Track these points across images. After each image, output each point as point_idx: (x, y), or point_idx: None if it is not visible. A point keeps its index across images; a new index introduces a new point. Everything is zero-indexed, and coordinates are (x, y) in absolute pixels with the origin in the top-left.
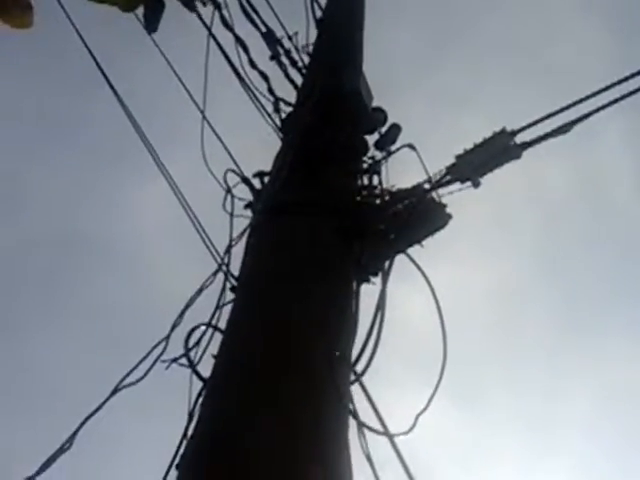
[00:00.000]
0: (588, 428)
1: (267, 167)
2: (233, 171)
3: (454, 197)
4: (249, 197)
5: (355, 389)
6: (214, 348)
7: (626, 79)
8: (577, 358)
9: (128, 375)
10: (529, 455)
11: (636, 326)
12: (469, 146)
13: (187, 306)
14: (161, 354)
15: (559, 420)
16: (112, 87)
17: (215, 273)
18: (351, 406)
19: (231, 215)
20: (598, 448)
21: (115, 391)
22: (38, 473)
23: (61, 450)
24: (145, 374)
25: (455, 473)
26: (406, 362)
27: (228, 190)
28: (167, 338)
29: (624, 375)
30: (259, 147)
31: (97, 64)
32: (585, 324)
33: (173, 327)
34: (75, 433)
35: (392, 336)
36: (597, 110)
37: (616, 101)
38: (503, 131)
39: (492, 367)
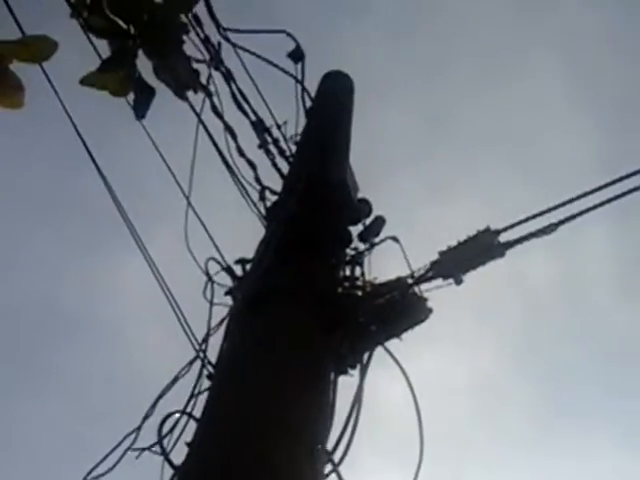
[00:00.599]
0: None
1: (250, 254)
2: (214, 259)
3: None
4: (230, 283)
5: None
6: (187, 436)
7: (613, 182)
8: (557, 451)
9: (97, 466)
10: None
11: (614, 420)
12: (454, 240)
13: (160, 396)
14: (132, 444)
15: None
16: (97, 167)
17: (191, 362)
18: None
19: (211, 303)
20: None
21: None
22: None
23: None
24: (114, 465)
25: None
26: (384, 454)
27: (209, 279)
28: (138, 429)
29: (606, 468)
30: (243, 234)
31: (84, 143)
32: (563, 418)
33: (145, 417)
34: None
35: (371, 426)
36: (582, 212)
37: (602, 204)
38: (487, 230)
39: (471, 458)
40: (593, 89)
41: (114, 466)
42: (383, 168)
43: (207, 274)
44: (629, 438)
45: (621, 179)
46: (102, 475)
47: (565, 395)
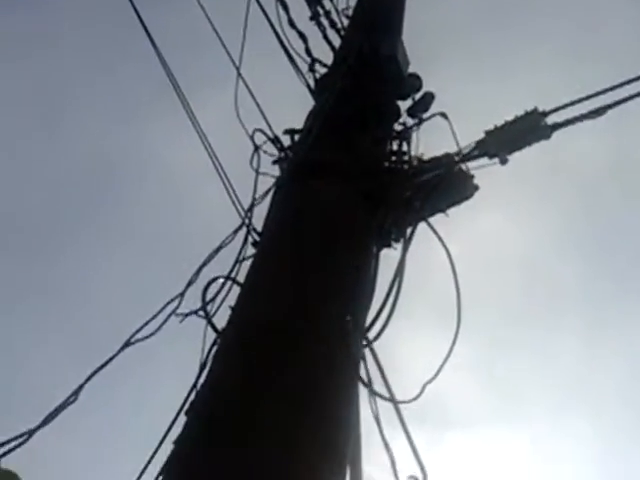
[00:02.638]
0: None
1: (299, 126)
2: (261, 130)
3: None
4: (278, 154)
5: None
6: (230, 301)
7: None
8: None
9: (140, 330)
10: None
11: None
12: (502, 119)
13: (204, 263)
14: (176, 309)
15: (591, 383)
16: (146, 30)
17: (236, 231)
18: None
19: (257, 172)
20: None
21: (125, 345)
22: (41, 426)
23: (66, 403)
24: (158, 329)
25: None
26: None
27: (255, 148)
28: (182, 295)
29: None
30: (292, 105)
31: (136, 12)
32: (615, 285)
33: (189, 283)
34: (81, 386)
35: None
36: (633, 97)
37: None
38: (535, 110)
39: (511, 332)
40: None
41: (157, 329)
42: (436, 43)
43: (254, 143)
44: None
45: None
46: (145, 338)
47: (616, 273)
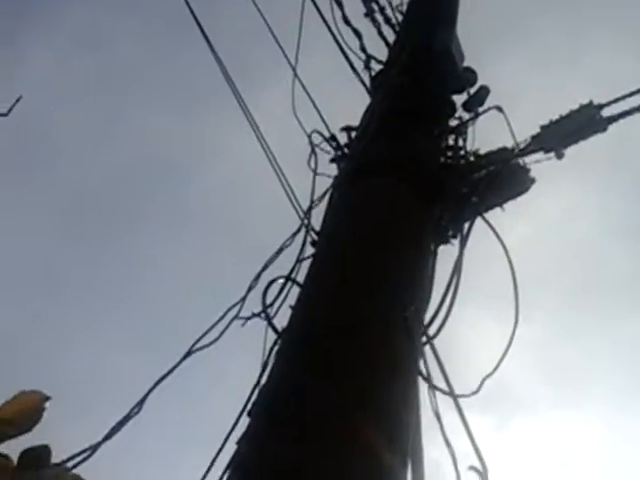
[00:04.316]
0: None
1: (355, 123)
2: (318, 132)
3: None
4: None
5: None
6: (290, 301)
7: None
8: None
9: (202, 338)
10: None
11: None
12: (558, 113)
13: (265, 267)
14: (237, 314)
15: None
16: (206, 37)
17: (295, 234)
18: (423, 365)
19: (315, 173)
20: None
21: (188, 354)
22: (104, 440)
23: (129, 415)
24: (220, 335)
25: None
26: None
27: (312, 149)
28: (243, 300)
29: None
30: (348, 103)
31: (192, 12)
32: None
33: (249, 289)
34: (145, 397)
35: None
36: None
37: None
38: (590, 104)
39: (573, 317)
40: None
41: (219, 336)
42: (491, 37)
43: (311, 144)
44: None
45: None
46: (207, 346)
47: None
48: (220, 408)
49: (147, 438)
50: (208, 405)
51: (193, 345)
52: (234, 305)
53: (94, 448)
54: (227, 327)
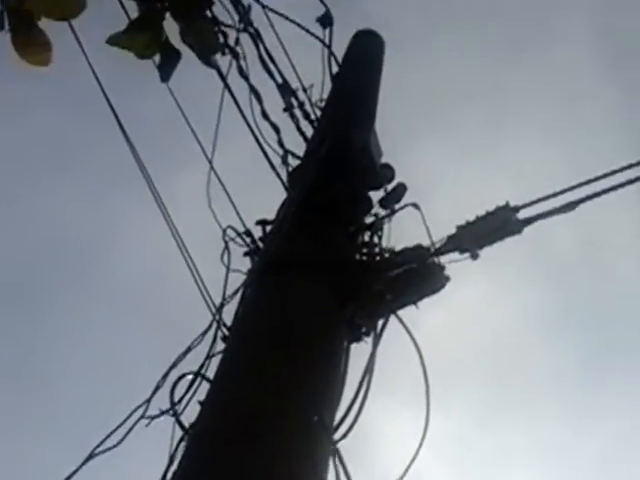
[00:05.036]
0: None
1: (271, 217)
2: (232, 227)
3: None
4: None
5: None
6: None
7: (637, 164)
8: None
9: (105, 440)
10: None
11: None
12: (476, 211)
13: (173, 365)
14: (144, 414)
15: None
16: (121, 126)
17: (205, 332)
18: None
19: (227, 269)
20: None
21: (90, 457)
22: None
23: None
24: (123, 438)
25: None
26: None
27: (226, 246)
28: (149, 400)
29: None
30: (264, 198)
31: (108, 102)
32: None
33: (156, 388)
34: None
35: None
36: (604, 192)
37: (627, 184)
38: (506, 206)
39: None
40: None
41: (123, 438)
42: (409, 132)
43: (225, 240)
44: None
45: None
46: (111, 448)
47: (590, 360)
48: None
49: None
50: None
51: (95, 448)
52: (139, 406)
53: None
54: (132, 428)
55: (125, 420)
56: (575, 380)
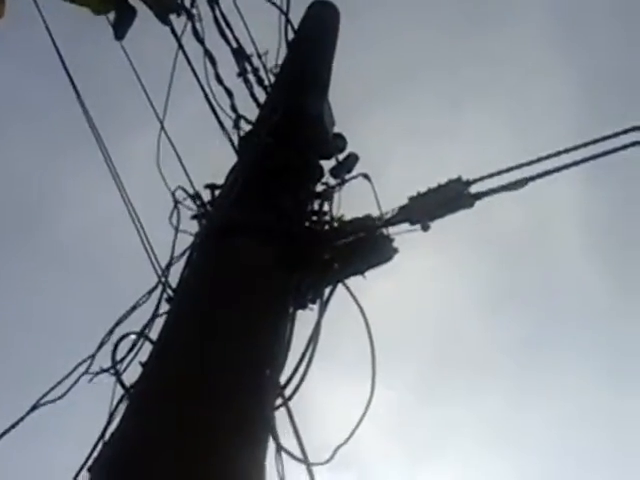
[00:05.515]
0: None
1: (221, 181)
2: (182, 188)
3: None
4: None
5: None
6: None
7: (585, 145)
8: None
9: (49, 392)
10: None
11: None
12: (427, 185)
13: (117, 323)
14: (86, 371)
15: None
16: (70, 78)
17: (151, 291)
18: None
19: (176, 230)
20: None
21: (34, 408)
22: None
23: None
24: (67, 391)
25: None
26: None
27: (175, 205)
28: (93, 356)
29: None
30: (215, 161)
31: (60, 58)
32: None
33: (101, 344)
34: None
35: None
36: (554, 170)
37: (575, 164)
38: (459, 179)
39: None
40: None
41: (66, 392)
42: (363, 103)
43: (174, 200)
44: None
45: (595, 141)
46: (54, 400)
47: (532, 337)
48: (63, 464)
49: None
50: (52, 461)
51: (40, 399)
52: (84, 361)
53: None
54: (75, 382)
55: (69, 374)
56: (517, 357)
